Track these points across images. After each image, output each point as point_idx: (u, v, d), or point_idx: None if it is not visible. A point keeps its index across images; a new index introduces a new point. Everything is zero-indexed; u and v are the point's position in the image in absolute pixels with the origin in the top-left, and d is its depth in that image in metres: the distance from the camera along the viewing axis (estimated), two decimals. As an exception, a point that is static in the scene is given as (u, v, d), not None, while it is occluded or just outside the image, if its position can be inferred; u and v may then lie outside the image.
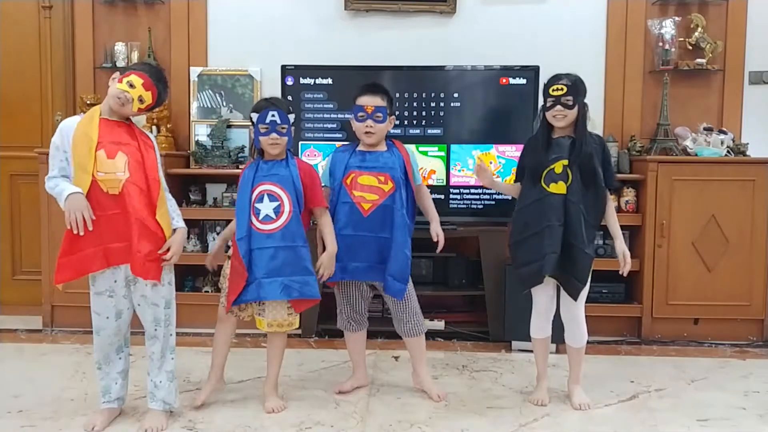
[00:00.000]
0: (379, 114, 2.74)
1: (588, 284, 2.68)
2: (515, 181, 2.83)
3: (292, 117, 2.64)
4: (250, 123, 2.68)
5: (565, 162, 2.60)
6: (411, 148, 2.92)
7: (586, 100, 2.66)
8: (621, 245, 2.70)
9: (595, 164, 2.61)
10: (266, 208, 2.58)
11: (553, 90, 2.61)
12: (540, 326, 2.79)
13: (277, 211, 2.57)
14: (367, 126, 2.74)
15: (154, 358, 2.49)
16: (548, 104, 2.63)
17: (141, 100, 2.42)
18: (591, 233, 2.64)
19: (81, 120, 2.42)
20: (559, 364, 3.13)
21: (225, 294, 2.67)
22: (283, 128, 2.60)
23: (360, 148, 2.81)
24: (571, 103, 2.59)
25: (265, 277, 2.55)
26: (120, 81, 2.41)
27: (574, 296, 2.65)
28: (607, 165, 2.67)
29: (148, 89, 2.42)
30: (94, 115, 2.42)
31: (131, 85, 2.40)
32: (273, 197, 2.59)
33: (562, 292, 2.70)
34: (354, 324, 2.88)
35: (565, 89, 2.59)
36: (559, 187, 2.60)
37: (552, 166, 2.61)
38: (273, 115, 2.59)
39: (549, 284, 2.71)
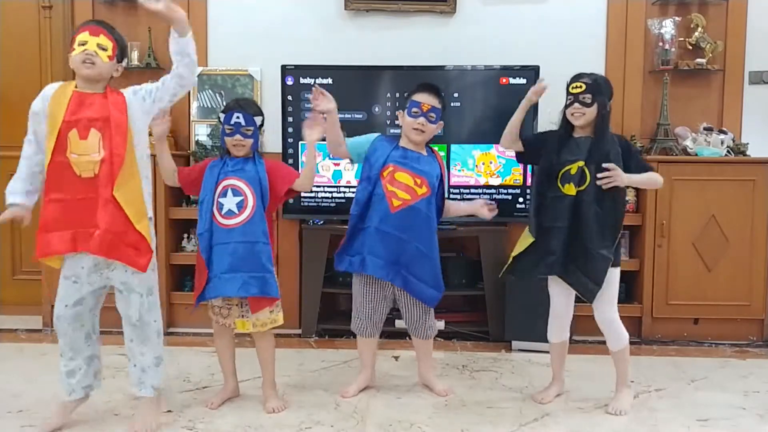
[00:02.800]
0: (433, 114, 2.72)
1: (616, 286, 2.63)
2: (522, 141, 2.75)
3: (259, 119, 2.62)
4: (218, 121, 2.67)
5: (581, 163, 2.58)
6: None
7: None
8: (628, 176, 2.57)
9: (612, 163, 2.55)
10: (229, 202, 2.56)
11: (573, 88, 2.61)
12: (556, 330, 2.77)
13: (240, 206, 2.55)
14: (418, 123, 2.71)
15: (134, 345, 2.44)
16: (567, 102, 2.63)
17: (102, 48, 2.32)
18: (608, 235, 2.57)
19: (55, 93, 2.33)
20: (565, 365, 3.11)
21: (211, 307, 2.68)
22: (248, 130, 2.58)
23: (402, 144, 2.77)
24: (589, 101, 2.58)
25: (225, 273, 2.52)
26: (72, 49, 2.33)
27: (590, 299, 2.59)
28: (637, 161, 2.61)
29: (96, 34, 2.32)
30: (66, 91, 2.32)
31: (82, 43, 2.31)
32: (237, 192, 2.56)
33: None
34: (370, 329, 2.83)
35: (584, 87, 2.59)
36: (569, 189, 2.58)
37: (568, 167, 2.60)
38: (238, 117, 2.57)
39: (564, 286, 2.67)
